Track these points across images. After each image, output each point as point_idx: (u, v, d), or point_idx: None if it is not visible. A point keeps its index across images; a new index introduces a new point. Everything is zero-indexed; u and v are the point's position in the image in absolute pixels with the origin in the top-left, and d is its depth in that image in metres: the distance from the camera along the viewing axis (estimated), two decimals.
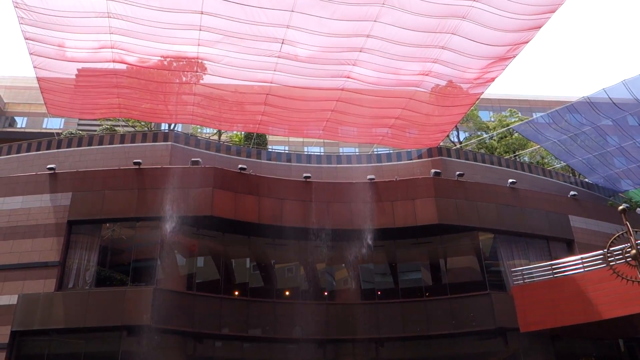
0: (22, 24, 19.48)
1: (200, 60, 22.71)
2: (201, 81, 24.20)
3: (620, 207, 16.14)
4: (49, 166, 23.24)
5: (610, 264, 16.68)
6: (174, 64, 23.76)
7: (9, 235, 21.74)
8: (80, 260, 21.78)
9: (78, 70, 23.55)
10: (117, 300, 20.60)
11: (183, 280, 23.32)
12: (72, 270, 21.59)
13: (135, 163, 23.33)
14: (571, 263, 21.36)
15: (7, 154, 27.05)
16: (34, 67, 22.11)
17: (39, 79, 23.31)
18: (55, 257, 21.33)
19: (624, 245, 16.54)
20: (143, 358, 20.93)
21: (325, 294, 24.64)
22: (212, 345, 22.51)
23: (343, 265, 25.62)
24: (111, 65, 22.53)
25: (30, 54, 21.17)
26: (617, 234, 16.40)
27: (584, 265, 20.74)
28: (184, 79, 24.52)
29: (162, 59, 23.31)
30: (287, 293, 24.66)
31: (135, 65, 23.01)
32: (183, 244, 23.62)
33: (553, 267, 21.77)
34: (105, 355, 20.63)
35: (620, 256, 16.77)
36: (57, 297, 20.64)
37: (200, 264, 24.23)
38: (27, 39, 20.31)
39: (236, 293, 23.83)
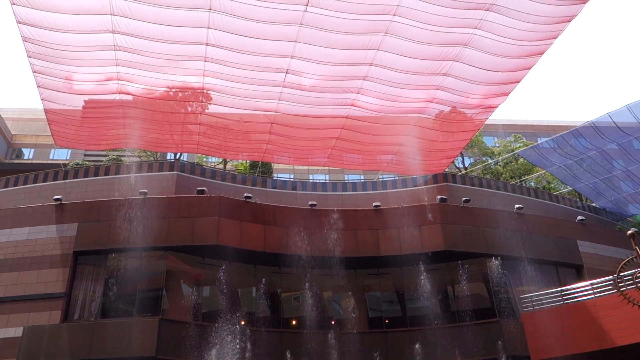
0: (30, 57, 19.80)
1: (205, 91, 22.95)
2: (206, 111, 24.42)
3: (629, 232, 16.00)
4: (55, 197, 23.32)
5: (621, 289, 16.46)
6: (180, 94, 24.02)
7: (15, 267, 21.71)
8: (86, 291, 21.69)
9: (85, 102, 23.83)
10: (122, 331, 20.41)
11: (189, 310, 23.13)
12: (78, 301, 21.48)
13: (141, 193, 23.38)
14: (581, 289, 21.08)
15: (14, 185, 27.20)
16: (42, 99, 22.39)
17: (46, 111, 23.57)
18: (61, 288, 21.26)
19: (634, 270, 16.35)
20: None
21: (333, 322, 24.37)
22: None
23: (350, 293, 25.39)
24: (117, 97, 22.79)
25: (38, 86, 21.45)
26: (627, 259, 16.23)
27: (594, 291, 20.46)
28: (189, 109, 24.76)
29: (167, 89, 23.57)
30: (294, 322, 24.40)
31: (141, 96, 23.27)
32: (189, 273, 23.50)
33: (563, 293, 21.49)
34: None
35: (631, 281, 16.57)
36: (62, 329, 20.49)
37: (206, 294, 24.05)
38: (35, 72, 20.62)
39: (242, 323, 23.58)
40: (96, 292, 21.69)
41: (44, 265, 21.69)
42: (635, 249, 15.83)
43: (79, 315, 21.28)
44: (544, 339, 20.62)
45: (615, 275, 16.85)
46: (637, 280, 15.93)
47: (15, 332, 20.35)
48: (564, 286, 22.71)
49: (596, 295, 20.26)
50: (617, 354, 20.04)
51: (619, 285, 16.86)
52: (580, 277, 24.71)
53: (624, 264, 16.20)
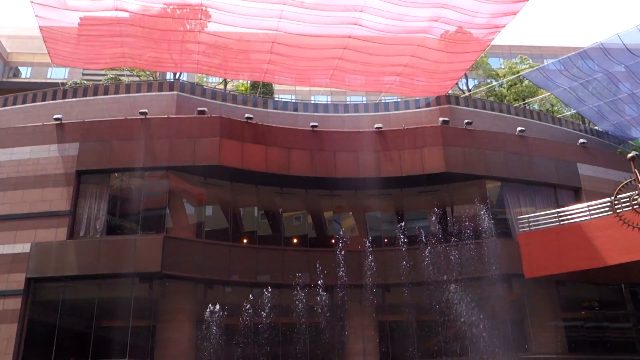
0: None
1: (204, 8, 22.30)
2: (205, 29, 23.85)
3: (630, 155, 16.07)
4: (55, 116, 23.20)
5: (617, 211, 16.76)
6: (178, 12, 23.38)
7: (19, 185, 21.95)
8: (90, 209, 22.04)
9: (80, 19, 23.23)
10: (128, 248, 20.98)
11: (192, 228, 23.65)
12: (83, 219, 21.88)
13: (141, 113, 23.24)
14: (578, 210, 21.41)
15: (13, 105, 27.04)
16: (36, 16, 21.83)
17: (41, 29, 23.04)
18: (66, 206, 21.59)
19: (631, 193, 16.58)
20: (155, 303, 21.54)
21: (333, 241, 24.97)
22: (222, 290, 23.05)
23: (350, 213, 25.81)
24: (114, 14, 22.18)
25: (32, 2, 20.82)
26: (625, 182, 16.41)
27: (591, 212, 20.78)
28: (187, 27, 24.17)
29: (165, 6, 22.93)
30: (295, 241, 24.99)
31: (138, 14, 22.64)
32: (191, 193, 23.82)
33: (559, 214, 21.83)
34: (119, 301, 21.21)
35: (627, 203, 16.83)
36: (69, 245, 21.02)
37: (209, 213, 24.50)
38: None
39: (245, 241, 24.19)
40: (100, 210, 22.05)
41: (47, 184, 21.91)
42: (635, 172, 15.98)
43: (84, 232, 21.75)
44: (538, 257, 21.18)
45: (613, 197, 17.11)
46: (633, 202, 16.19)
47: (23, 248, 20.88)
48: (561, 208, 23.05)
49: (592, 217, 20.59)
50: (608, 272, 20.69)
51: (616, 207, 17.16)
52: (578, 200, 25.01)
53: (622, 186, 16.41)
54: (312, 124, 25.01)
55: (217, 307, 20.76)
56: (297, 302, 21.75)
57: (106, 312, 21.29)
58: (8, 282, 20.42)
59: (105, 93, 26.75)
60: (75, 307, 21.54)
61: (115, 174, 22.93)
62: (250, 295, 21.78)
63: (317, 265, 22.42)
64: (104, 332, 21.02)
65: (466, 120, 25.55)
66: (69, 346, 20.76)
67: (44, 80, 44.76)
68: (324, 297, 22.28)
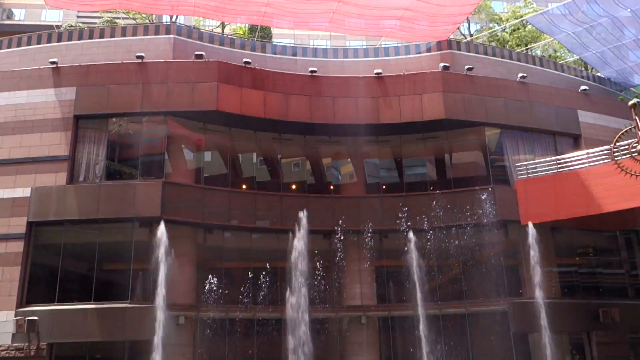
0: None
1: None
2: None
3: (631, 102, 15.88)
4: (51, 60, 22.83)
5: (616, 158, 16.74)
6: None
7: (17, 130, 21.84)
8: (89, 154, 22.02)
9: None
10: (128, 193, 21.12)
11: (191, 174, 23.71)
12: (82, 164, 21.89)
13: (138, 57, 22.85)
14: (576, 158, 21.40)
15: (8, 47, 26.54)
16: None
17: None
18: (65, 151, 21.57)
19: (630, 140, 16.51)
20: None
21: (331, 187, 25.11)
22: (221, 235, 23.32)
23: (349, 159, 25.83)
24: None
25: None
26: (625, 129, 16.30)
27: (589, 160, 20.79)
28: None
29: None
30: (293, 187, 25.11)
31: None
32: (190, 138, 23.76)
33: (558, 161, 21.85)
34: (119, 245, 21.52)
35: (627, 151, 16.79)
36: (69, 189, 21.14)
37: (207, 159, 24.52)
38: None
39: (243, 187, 24.31)
40: (99, 155, 22.04)
41: (45, 129, 21.81)
42: (635, 119, 15.80)
43: (84, 177, 21.81)
44: (535, 204, 21.30)
45: (612, 145, 17.07)
46: (632, 150, 16.14)
47: (23, 192, 21.01)
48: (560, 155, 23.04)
49: (590, 164, 20.61)
50: (604, 219, 20.89)
51: (614, 154, 17.14)
52: (577, 147, 24.94)
53: (622, 134, 16.31)
54: (310, 69, 24.67)
55: (217, 251, 21.09)
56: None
57: (107, 255, 21.69)
58: (10, 226, 20.67)
59: (101, 36, 26.24)
60: (76, 251, 21.86)
61: (113, 119, 22.80)
62: (249, 240, 22.08)
63: (315, 211, 22.61)
64: (105, 275, 21.47)
65: (467, 66, 25.19)
66: (72, 288, 21.22)
67: (38, 23, 43.78)
68: (322, 242, 22.59)
